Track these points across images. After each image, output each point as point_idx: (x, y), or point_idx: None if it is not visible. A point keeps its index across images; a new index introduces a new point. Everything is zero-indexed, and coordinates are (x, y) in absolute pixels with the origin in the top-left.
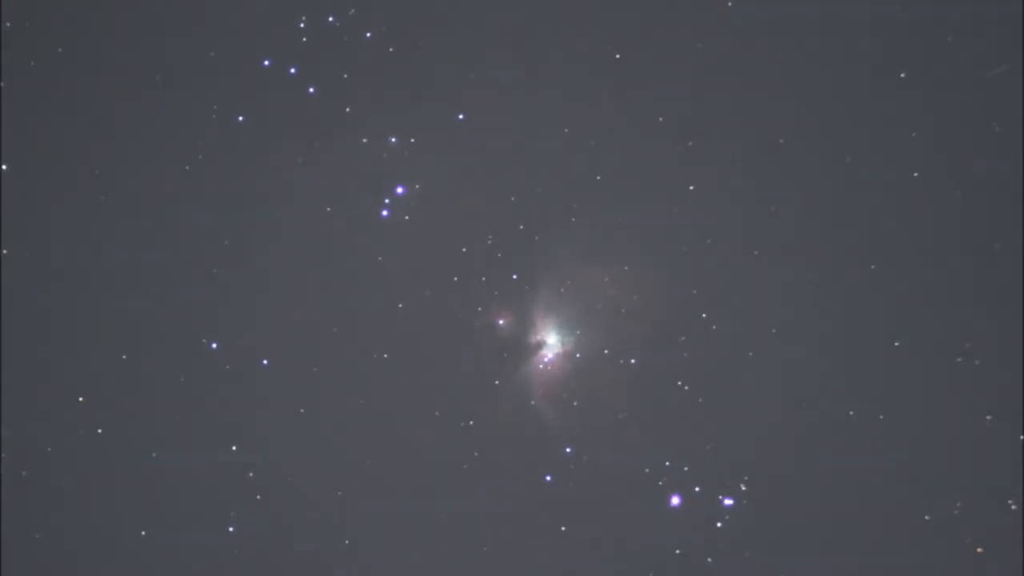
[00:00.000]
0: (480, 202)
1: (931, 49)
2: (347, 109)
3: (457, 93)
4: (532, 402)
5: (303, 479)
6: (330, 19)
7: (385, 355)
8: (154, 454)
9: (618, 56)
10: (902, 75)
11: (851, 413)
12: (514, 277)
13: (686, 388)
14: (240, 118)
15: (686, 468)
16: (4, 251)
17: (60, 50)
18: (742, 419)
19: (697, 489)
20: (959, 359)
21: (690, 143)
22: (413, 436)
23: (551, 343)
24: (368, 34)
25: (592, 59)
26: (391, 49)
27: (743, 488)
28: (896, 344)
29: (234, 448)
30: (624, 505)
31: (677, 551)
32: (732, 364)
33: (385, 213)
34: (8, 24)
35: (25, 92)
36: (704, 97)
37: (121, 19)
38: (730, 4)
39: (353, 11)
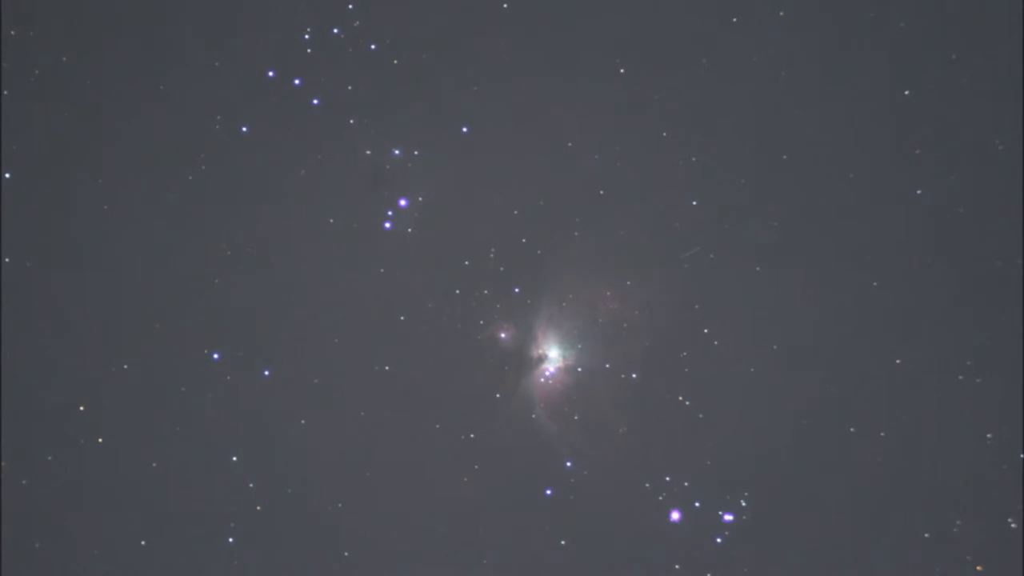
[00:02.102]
0: (483, 215)
1: (935, 67)
2: (351, 120)
3: (461, 106)
4: (533, 415)
5: (303, 490)
6: (335, 30)
7: (386, 367)
8: (154, 464)
9: (622, 71)
10: (906, 92)
11: (852, 429)
12: (516, 290)
13: (687, 403)
14: (244, 128)
15: (686, 483)
16: (6, 259)
17: (64, 59)
18: (743, 434)
19: (697, 504)
20: (960, 376)
21: (693, 158)
22: (414, 448)
23: (552, 357)
24: (373, 46)
25: (596, 73)
26: (395, 61)
27: (743, 504)
28: (898, 361)
29: (234, 458)
30: (624, 519)
31: (677, 566)
32: (733, 379)
33: (388, 225)
34: (12, 32)
35: (28, 100)
36: (708, 112)
37: (125, 28)
38: (735, 20)
39: (358, 23)
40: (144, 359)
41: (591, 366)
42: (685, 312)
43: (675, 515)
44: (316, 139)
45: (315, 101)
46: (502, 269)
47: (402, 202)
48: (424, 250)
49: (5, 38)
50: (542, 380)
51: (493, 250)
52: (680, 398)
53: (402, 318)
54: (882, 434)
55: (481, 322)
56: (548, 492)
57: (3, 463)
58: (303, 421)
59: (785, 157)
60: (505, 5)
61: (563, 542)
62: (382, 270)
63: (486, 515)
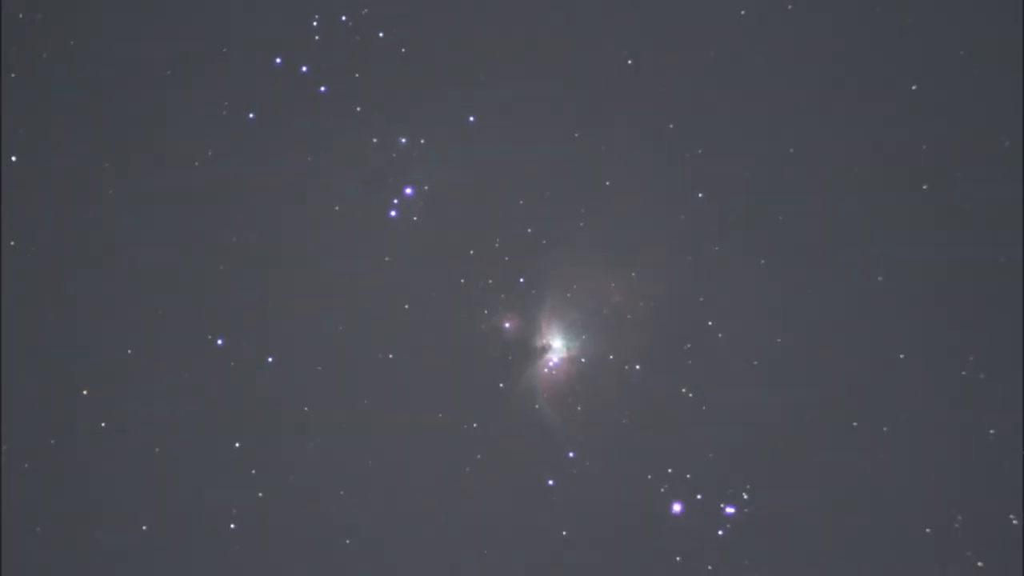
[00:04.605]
0: (488, 205)
1: (943, 63)
2: (357, 109)
3: (468, 95)
4: (536, 406)
5: (305, 478)
6: (343, 18)
7: (390, 355)
8: (157, 449)
9: (630, 62)
10: (913, 87)
11: (854, 424)
12: (521, 281)
13: (690, 395)
14: (251, 115)
15: (688, 475)
16: (10, 243)
17: (72, 43)
18: (745, 427)
19: (699, 497)
20: (963, 372)
21: (700, 150)
22: (417, 437)
23: (556, 347)
24: (380, 34)
25: (604, 65)
26: (403, 50)
27: (745, 496)
28: (901, 356)
29: (237, 445)
30: (626, 511)
31: (677, 558)
32: (736, 372)
33: (393, 213)
34: (20, 15)
35: (34, 86)
36: (714, 105)
37: (132, 15)
38: (743, 13)
39: (366, 11)
40: (148, 345)
41: (595, 357)
42: (689, 304)
43: (677, 507)
44: (323, 127)
45: (322, 89)
46: (507, 259)
47: (408, 191)
48: (429, 239)
49: (9, 22)
50: (546, 371)
51: (498, 240)
52: (683, 390)
53: (406, 307)
54: (884, 429)
55: (485, 312)
56: (550, 482)
57: (4, 447)
58: (306, 409)
59: (791, 151)
60: None
61: (564, 532)
62: (387, 259)
63: (488, 505)
